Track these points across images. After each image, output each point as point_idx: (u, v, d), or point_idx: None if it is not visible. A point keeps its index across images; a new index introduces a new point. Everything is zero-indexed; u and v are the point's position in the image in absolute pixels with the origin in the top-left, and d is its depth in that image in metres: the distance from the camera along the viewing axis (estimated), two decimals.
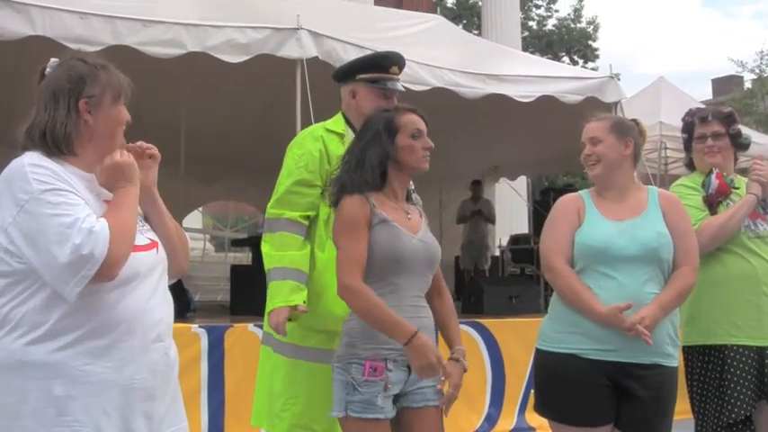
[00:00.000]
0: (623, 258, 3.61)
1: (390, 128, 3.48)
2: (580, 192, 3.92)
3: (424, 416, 3.38)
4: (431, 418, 3.41)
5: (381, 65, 4.25)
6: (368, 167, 3.45)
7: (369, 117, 3.66)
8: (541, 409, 3.79)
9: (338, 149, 4.09)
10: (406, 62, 4.52)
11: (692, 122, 4.59)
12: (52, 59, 2.92)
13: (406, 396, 3.36)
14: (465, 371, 3.47)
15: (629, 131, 3.89)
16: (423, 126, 3.51)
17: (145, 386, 2.73)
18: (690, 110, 4.78)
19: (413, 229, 3.44)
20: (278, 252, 4.00)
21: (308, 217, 4.06)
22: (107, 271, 2.60)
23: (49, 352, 2.61)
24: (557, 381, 3.62)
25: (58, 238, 2.55)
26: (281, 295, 3.90)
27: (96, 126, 2.81)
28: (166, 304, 2.90)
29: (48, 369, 2.61)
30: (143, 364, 2.73)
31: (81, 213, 2.62)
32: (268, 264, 4.01)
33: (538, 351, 3.77)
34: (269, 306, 3.94)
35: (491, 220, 14.43)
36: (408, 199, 3.64)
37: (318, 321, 3.99)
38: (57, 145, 2.76)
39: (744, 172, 4.54)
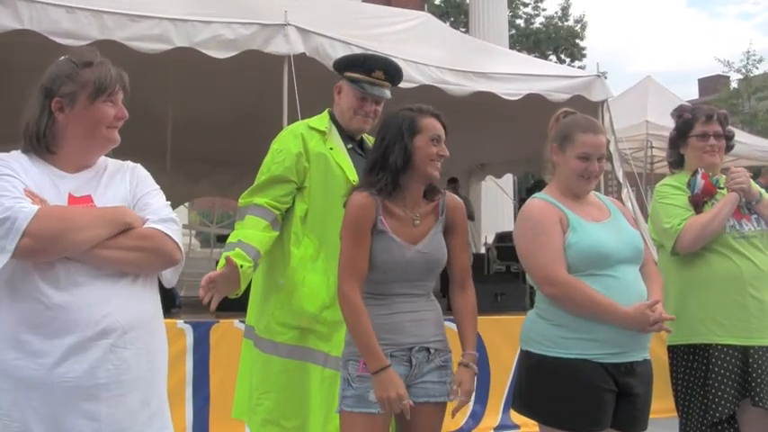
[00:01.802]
0: (621, 260, 3.60)
1: (413, 127, 3.43)
2: (544, 198, 3.79)
3: (425, 411, 3.38)
4: (431, 414, 3.41)
5: (364, 66, 4.20)
6: (391, 169, 3.41)
7: (387, 118, 3.58)
8: (532, 411, 3.72)
9: (319, 147, 4.08)
10: (393, 59, 4.48)
11: (692, 119, 4.57)
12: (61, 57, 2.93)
13: (410, 389, 3.34)
14: (475, 375, 3.47)
15: None
16: (442, 133, 3.48)
17: (82, 385, 2.66)
18: (684, 106, 4.78)
19: (415, 239, 3.40)
20: (236, 231, 3.99)
21: (276, 207, 4.04)
22: (29, 246, 2.61)
23: None
24: (566, 385, 3.54)
25: None
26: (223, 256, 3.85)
27: (69, 124, 2.82)
28: (127, 302, 2.79)
29: None
30: (79, 361, 2.66)
31: (9, 193, 2.65)
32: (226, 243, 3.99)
33: (541, 356, 3.63)
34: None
35: (470, 217, 14.46)
36: (430, 195, 3.56)
37: (291, 317, 4.00)
38: (31, 142, 2.79)
39: (727, 172, 4.55)
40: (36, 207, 2.65)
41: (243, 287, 3.83)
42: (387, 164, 3.41)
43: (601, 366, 3.52)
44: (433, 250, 3.45)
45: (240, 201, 4.11)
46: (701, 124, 4.52)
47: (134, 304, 2.81)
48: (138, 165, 3.07)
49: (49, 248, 2.66)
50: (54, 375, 2.63)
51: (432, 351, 3.40)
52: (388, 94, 4.23)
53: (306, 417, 3.98)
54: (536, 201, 3.79)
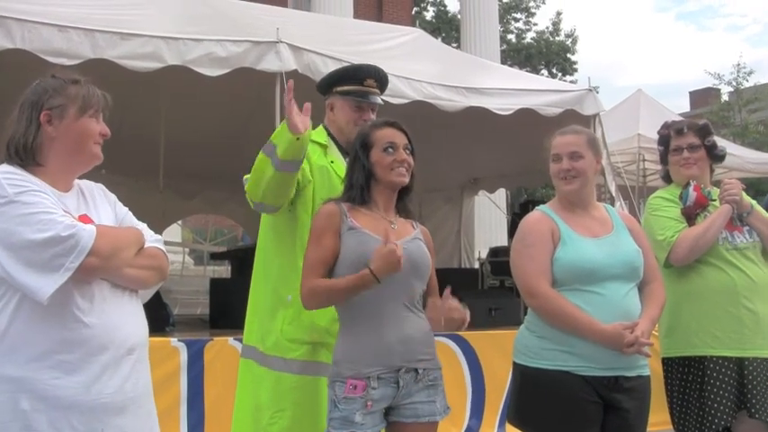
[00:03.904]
0: (609, 276, 3.61)
1: (365, 143, 3.51)
2: (543, 209, 3.87)
3: (413, 431, 3.37)
4: None
5: (355, 77, 4.21)
6: (355, 187, 3.48)
7: (355, 135, 3.67)
8: (522, 422, 3.76)
9: (321, 160, 4.07)
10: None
11: (667, 135, 4.62)
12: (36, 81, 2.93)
13: (398, 410, 3.36)
14: (464, 314, 3.44)
15: (600, 147, 3.91)
16: (398, 139, 3.50)
17: (114, 400, 2.72)
18: (665, 122, 4.81)
19: (393, 238, 3.37)
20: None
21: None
22: (93, 265, 2.65)
23: (17, 364, 2.61)
24: (548, 396, 3.59)
25: (38, 233, 2.59)
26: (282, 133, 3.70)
27: (57, 137, 2.83)
28: (138, 318, 2.92)
29: (15, 383, 2.61)
30: (114, 378, 2.73)
31: (58, 211, 2.66)
32: (259, 169, 3.83)
33: (524, 366, 3.70)
34: (281, 139, 3.68)
35: None
36: (403, 213, 3.59)
37: (303, 333, 3.97)
38: (18, 154, 2.79)
39: (719, 184, 4.56)
40: (94, 225, 2.72)
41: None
42: (355, 183, 3.50)
43: (582, 379, 3.55)
44: (414, 249, 3.45)
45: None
46: (674, 139, 4.57)
47: (141, 320, 2.94)
48: (103, 186, 3.14)
49: (106, 266, 2.74)
50: (92, 393, 2.68)
51: (420, 371, 3.38)
52: (380, 100, 4.26)
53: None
54: (534, 213, 3.86)
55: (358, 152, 3.51)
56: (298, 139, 3.60)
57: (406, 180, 3.52)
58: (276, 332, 4.04)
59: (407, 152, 3.51)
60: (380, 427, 3.34)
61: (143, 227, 3.05)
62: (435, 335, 3.55)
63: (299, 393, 3.98)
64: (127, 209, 3.10)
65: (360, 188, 3.48)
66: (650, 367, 3.73)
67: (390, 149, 3.47)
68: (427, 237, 3.61)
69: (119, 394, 2.74)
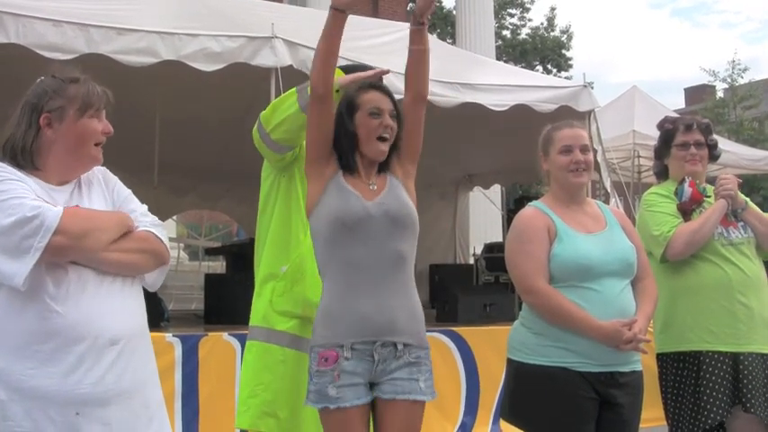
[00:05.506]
0: (606, 273, 3.62)
1: (351, 105, 3.43)
2: (537, 205, 3.85)
3: (393, 409, 3.22)
4: (399, 413, 3.23)
5: (346, 74, 4.21)
6: (341, 150, 3.42)
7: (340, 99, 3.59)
8: (517, 419, 3.75)
9: None
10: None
11: (673, 129, 4.61)
12: (39, 78, 2.92)
13: (379, 386, 3.23)
14: None
15: None
16: (384, 104, 3.42)
17: (95, 391, 2.69)
18: (667, 117, 4.82)
19: (371, 197, 3.33)
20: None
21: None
22: (61, 244, 2.63)
23: None
24: (545, 393, 3.58)
25: (8, 217, 2.59)
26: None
27: (57, 139, 2.82)
28: (127, 307, 2.86)
29: None
30: (94, 369, 2.70)
31: (29, 195, 2.65)
32: (284, 100, 4.01)
33: (520, 363, 3.69)
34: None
35: None
36: (381, 171, 3.49)
37: (294, 305, 3.95)
38: (14, 158, 2.78)
39: (713, 181, 4.58)
40: (61, 207, 2.68)
41: None
42: (341, 150, 3.42)
43: (579, 375, 3.55)
44: (392, 201, 3.34)
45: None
46: (681, 134, 4.56)
47: (130, 310, 2.89)
48: (105, 168, 3.10)
49: (78, 246, 2.70)
50: (69, 384, 2.65)
51: (399, 346, 3.25)
52: None
53: (297, 408, 3.92)
54: (528, 209, 3.85)
55: (343, 114, 3.42)
56: (337, 91, 3.59)
57: (384, 156, 3.42)
58: (264, 304, 4.02)
59: (392, 118, 3.44)
60: (366, 401, 3.22)
61: (143, 210, 3.03)
62: (428, 330, 3.49)
63: (283, 367, 3.95)
64: (129, 191, 3.08)
65: (340, 157, 3.42)
66: (643, 363, 3.73)
67: (376, 114, 3.39)
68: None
69: (99, 386, 2.70)
